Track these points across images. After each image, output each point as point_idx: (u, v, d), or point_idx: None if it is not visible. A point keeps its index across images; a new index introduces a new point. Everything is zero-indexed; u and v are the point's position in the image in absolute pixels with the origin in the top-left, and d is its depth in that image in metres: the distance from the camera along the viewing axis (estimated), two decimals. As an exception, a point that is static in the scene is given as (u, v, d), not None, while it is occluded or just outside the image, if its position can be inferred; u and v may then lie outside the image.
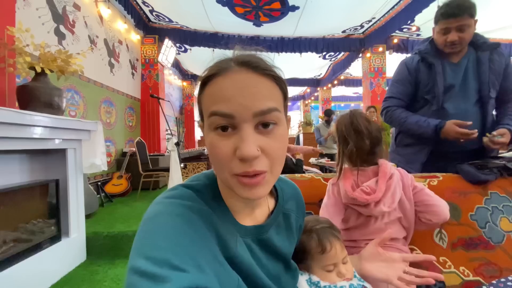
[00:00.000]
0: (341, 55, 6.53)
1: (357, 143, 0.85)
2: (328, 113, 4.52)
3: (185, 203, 0.39)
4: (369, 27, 5.11)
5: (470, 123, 1.09)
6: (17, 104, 1.73)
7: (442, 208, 0.81)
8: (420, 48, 1.28)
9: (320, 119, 5.89)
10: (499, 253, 0.94)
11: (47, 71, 1.73)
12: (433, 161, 1.21)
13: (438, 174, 1.06)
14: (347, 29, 5.15)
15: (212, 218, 0.40)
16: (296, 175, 1.06)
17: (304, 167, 2.98)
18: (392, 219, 0.83)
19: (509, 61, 1.21)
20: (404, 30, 5.09)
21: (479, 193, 1.01)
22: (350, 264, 0.61)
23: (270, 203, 0.54)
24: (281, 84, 0.42)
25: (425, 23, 4.68)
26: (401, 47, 5.37)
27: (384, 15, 4.60)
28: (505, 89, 1.20)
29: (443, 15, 1.15)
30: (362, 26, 5.04)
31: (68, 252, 1.88)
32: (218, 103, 0.38)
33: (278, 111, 0.40)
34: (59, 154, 1.91)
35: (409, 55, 1.37)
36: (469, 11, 1.11)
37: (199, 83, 0.43)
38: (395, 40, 5.32)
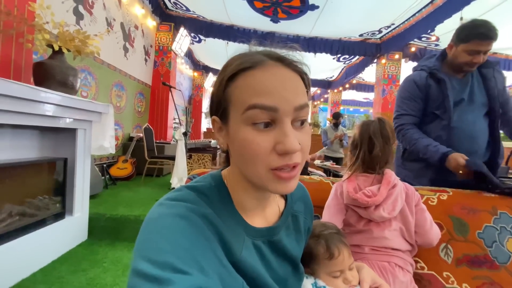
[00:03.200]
0: (356, 59, 6.46)
1: (382, 148, 0.86)
2: (336, 116, 4.48)
3: (188, 206, 0.38)
4: (387, 32, 5.03)
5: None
6: (32, 80, 1.74)
7: (431, 235, 0.84)
8: (427, 64, 1.28)
9: (328, 122, 5.84)
10: (503, 273, 0.93)
11: (64, 50, 1.74)
12: (441, 177, 1.20)
13: (448, 189, 1.05)
14: (365, 33, 5.08)
15: (216, 222, 0.39)
16: (305, 177, 1.05)
17: (309, 168, 2.97)
18: (394, 229, 0.83)
19: (505, 79, 1.26)
20: (423, 39, 5.00)
21: (489, 212, 0.99)
22: (356, 271, 0.60)
23: (280, 203, 0.53)
24: (307, 82, 0.43)
25: (445, 34, 4.59)
26: (418, 56, 5.26)
27: (403, 22, 4.52)
28: (504, 103, 1.25)
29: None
30: (380, 31, 4.97)
31: (70, 230, 1.92)
32: (259, 96, 0.37)
33: (308, 107, 0.41)
34: (69, 133, 1.93)
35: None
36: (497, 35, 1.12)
37: (222, 76, 0.41)
38: (413, 49, 5.22)
